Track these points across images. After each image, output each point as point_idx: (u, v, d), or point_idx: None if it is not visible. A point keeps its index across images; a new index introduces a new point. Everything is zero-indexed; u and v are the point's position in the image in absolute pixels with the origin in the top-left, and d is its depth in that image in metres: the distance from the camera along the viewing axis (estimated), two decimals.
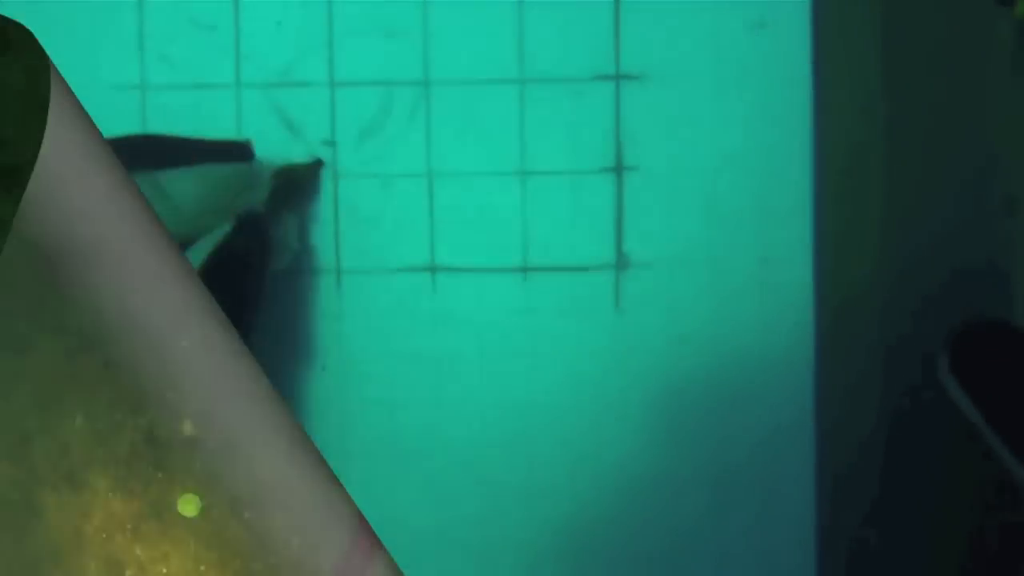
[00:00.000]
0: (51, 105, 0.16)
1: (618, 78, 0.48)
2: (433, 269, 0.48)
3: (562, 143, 0.48)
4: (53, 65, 0.16)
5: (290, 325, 0.47)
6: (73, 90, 0.16)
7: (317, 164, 0.47)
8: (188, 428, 0.17)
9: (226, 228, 0.38)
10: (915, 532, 0.47)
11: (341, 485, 0.19)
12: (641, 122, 0.48)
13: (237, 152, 0.41)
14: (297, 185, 0.46)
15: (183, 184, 0.38)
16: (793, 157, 0.48)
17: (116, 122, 0.44)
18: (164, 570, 0.17)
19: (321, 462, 0.19)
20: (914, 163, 0.48)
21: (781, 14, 0.48)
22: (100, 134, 0.17)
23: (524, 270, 0.48)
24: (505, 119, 0.48)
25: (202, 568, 0.17)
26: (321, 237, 0.48)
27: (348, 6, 0.48)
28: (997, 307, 0.47)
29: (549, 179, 0.48)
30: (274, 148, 0.47)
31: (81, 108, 0.16)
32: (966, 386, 0.41)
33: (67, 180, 0.16)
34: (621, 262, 0.47)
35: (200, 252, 0.37)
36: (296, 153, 0.48)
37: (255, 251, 0.40)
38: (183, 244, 0.38)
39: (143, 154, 0.38)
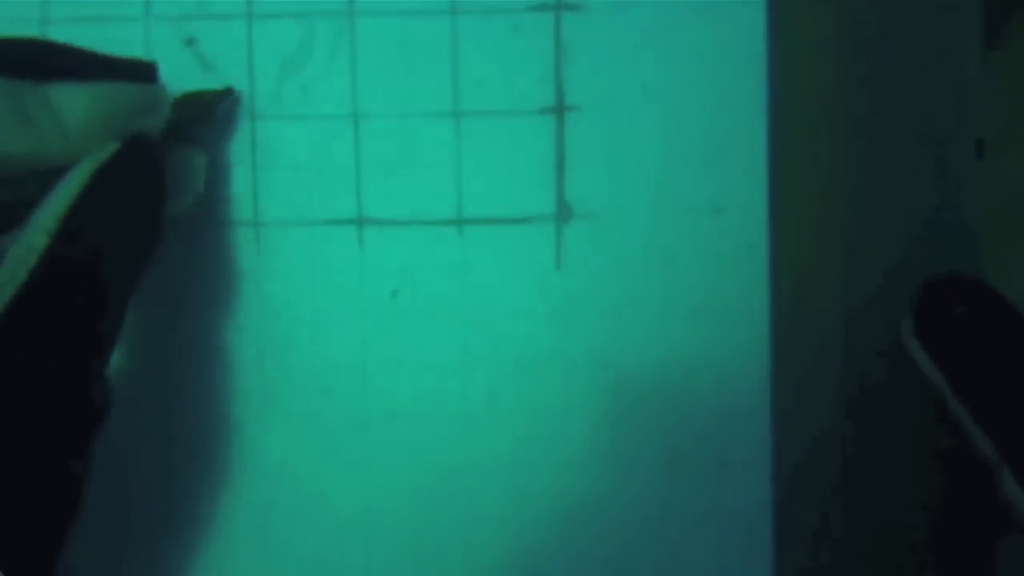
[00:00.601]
0: None
1: (559, 8, 0.43)
2: (360, 221, 0.44)
3: (497, 81, 0.44)
4: None
5: (202, 282, 0.43)
6: None
7: (227, 93, 0.43)
8: None
9: (110, 150, 0.34)
10: (878, 512, 0.44)
11: None
12: (584, 57, 0.44)
13: (139, 72, 0.36)
14: (203, 116, 0.41)
15: (73, 99, 0.34)
16: (749, 95, 0.43)
17: None
18: None
19: None
20: (874, 109, 0.44)
21: None
22: None
23: (458, 222, 0.44)
24: (436, 53, 0.44)
25: None
26: (236, 186, 0.44)
27: None
28: (968, 265, 0.43)
29: (484, 120, 0.44)
30: (187, 86, 0.43)
31: None
32: (931, 351, 0.37)
33: None
34: (563, 213, 0.44)
35: (78, 175, 0.33)
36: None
37: (144, 183, 0.36)
38: (67, 166, 0.34)
39: (33, 60, 0.33)
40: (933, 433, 0.42)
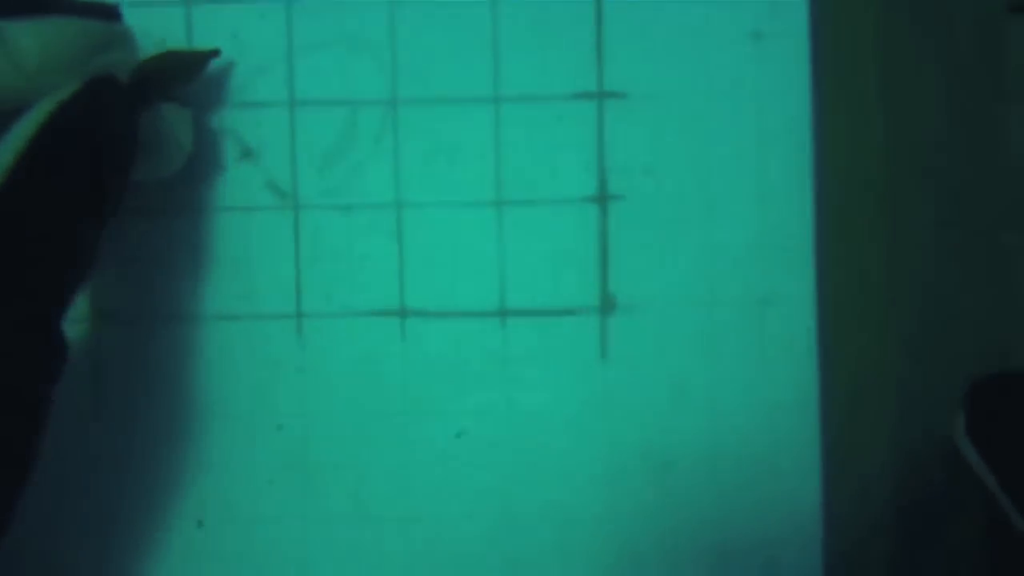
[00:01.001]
0: None
1: (601, 96, 0.43)
2: (403, 313, 0.43)
3: (541, 169, 0.43)
4: None
5: (241, 376, 0.43)
6: None
7: (212, 54, 0.42)
8: None
9: (74, 86, 0.32)
10: None
11: None
12: (627, 146, 0.43)
13: (99, 10, 0.35)
14: (182, 71, 0.41)
15: (27, 34, 0.32)
16: (793, 185, 0.43)
17: None
18: None
19: None
20: (924, 200, 0.43)
21: (779, 24, 0.43)
22: None
23: (502, 314, 0.43)
24: (478, 142, 0.43)
25: None
26: (278, 277, 0.44)
27: (308, 17, 0.43)
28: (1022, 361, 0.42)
29: (527, 210, 0.43)
30: (233, 176, 0.43)
31: None
32: (981, 449, 0.36)
33: None
34: (607, 304, 0.43)
35: (37, 114, 0.32)
36: (255, 183, 0.43)
37: (111, 129, 0.34)
38: (25, 103, 0.32)
39: None
40: (985, 530, 0.41)
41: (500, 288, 0.42)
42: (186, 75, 0.42)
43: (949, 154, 0.41)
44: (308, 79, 0.43)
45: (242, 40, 0.43)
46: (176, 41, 0.43)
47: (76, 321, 0.43)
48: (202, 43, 0.43)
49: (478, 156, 0.43)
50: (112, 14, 0.36)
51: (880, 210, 0.41)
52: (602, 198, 0.42)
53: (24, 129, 0.32)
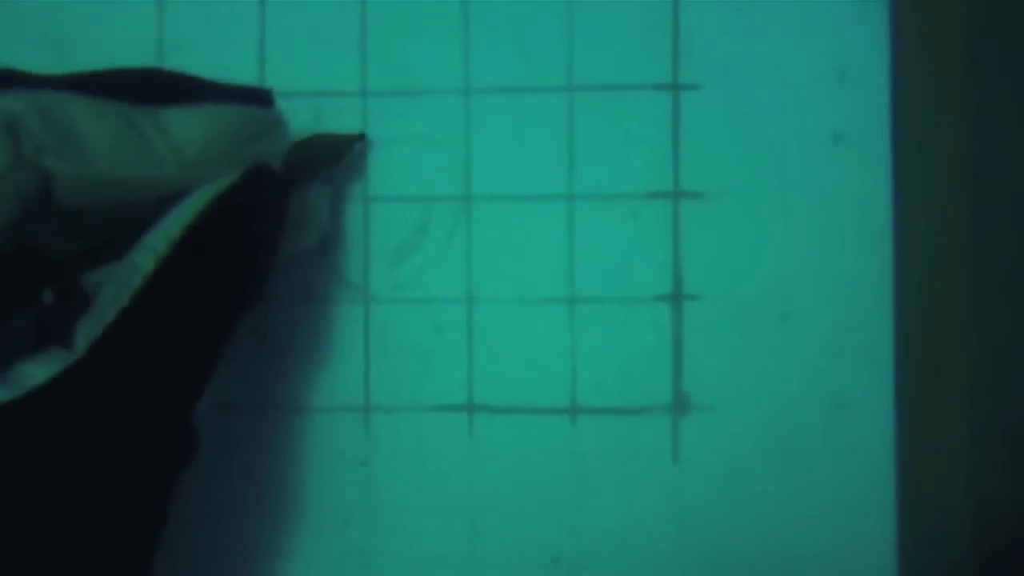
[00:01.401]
0: None
1: (676, 195, 0.43)
2: (471, 408, 0.43)
3: (615, 267, 0.43)
4: None
5: (307, 470, 0.42)
6: None
7: (356, 138, 0.43)
8: None
9: (233, 177, 0.33)
10: None
11: None
12: (702, 245, 0.43)
13: (254, 96, 0.36)
14: (328, 155, 0.41)
15: (188, 122, 0.33)
16: (872, 287, 0.42)
17: None
18: None
19: None
20: (1007, 304, 0.42)
21: (860, 125, 0.42)
22: None
23: (572, 411, 0.43)
24: (552, 238, 0.43)
25: None
26: (347, 370, 0.43)
27: (384, 112, 0.44)
28: None
29: (600, 307, 0.43)
30: (305, 268, 0.43)
31: None
32: None
33: None
34: (679, 404, 0.42)
35: (195, 202, 0.32)
36: (327, 275, 0.43)
37: (265, 215, 0.34)
38: (180, 191, 0.32)
39: (148, 87, 0.33)
40: None
41: (571, 385, 0.42)
42: (333, 159, 0.42)
43: None
44: (383, 174, 0.43)
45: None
46: None
47: None
48: None
49: (551, 253, 0.42)
50: (266, 99, 0.37)
51: (963, 314, 0.40)
52: (677, 297, 0.42)
53: (182, 217, 0.32)
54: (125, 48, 0.43)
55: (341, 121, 0.43)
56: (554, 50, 0.42)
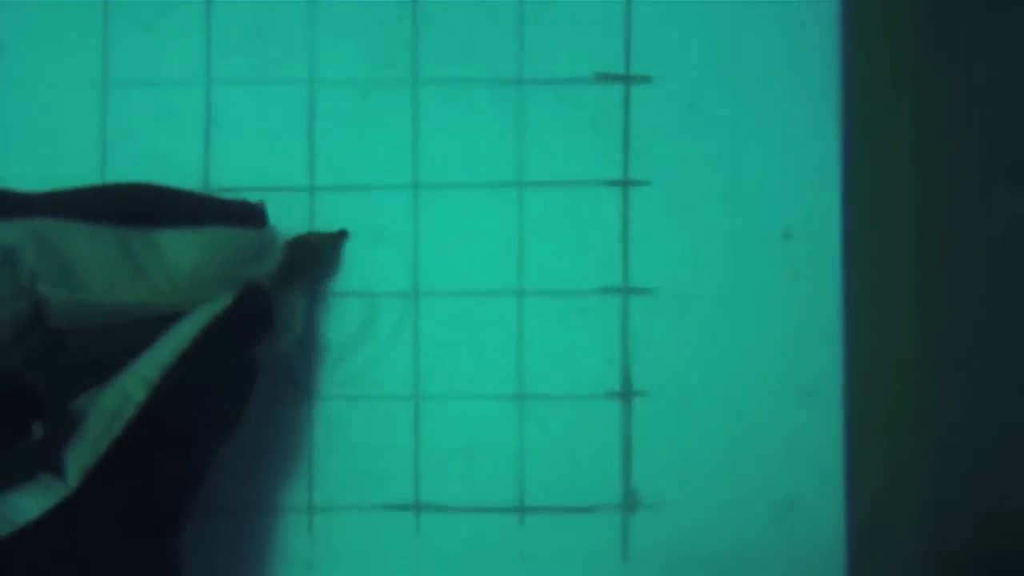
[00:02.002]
0: None
1: (626, 291, 0.42)
2: (418, 507, 0.42)
3: (564, 363, 0.43)
4: None
5: (251, 572, 0.41)
6: None
7: (339, 236, 0.42)
8: None
9: (225, 301, 0.33)
10: None
11: None
12: (652, 341, 0.42)
13: (249, 216, 0.36)
14: (313, 258, 0.41)
15: (183, 247, 0.33)
16: (823, 386, 0.42)
17: None
18: None
19: None
20: (952, 391, 0.42)
21: (810, 224, 0.43)
22: None
23: (520, 510, 0.42)
24: (501, 335, 0.43)
25: None
26: (291, 469, 0.42)
27: (331, 208, 0.43)
28: None
29: (549, 404, 0.42)
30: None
31: None
32: None
33: None
34: (629, 502, 0.42)
35: (187, 329, 0.32)
36: (271, 374, 0.42)
37: (254, 330, 0.35)
38: (173, 316, 0.32)
39: (143, 207, 0.33)
40: None
41: (519, 483, 0.42)
42: (319, 260, 0.41)
43: (978, 337, 0.41)
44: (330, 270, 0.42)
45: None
46: None
47: None
48: None
49: (500, 349, 0.42)
50: (260, 219, 0.37)
51: (912, 410, 0.41)
52: (626, 394, 0.41)
53: (174, 344, 0.32)
54: (69, 139, 0.43)
55: (289, 215, 0.42)
56: (505, 146, 0.42)
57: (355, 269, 0.43)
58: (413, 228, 0.42)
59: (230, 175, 0.42)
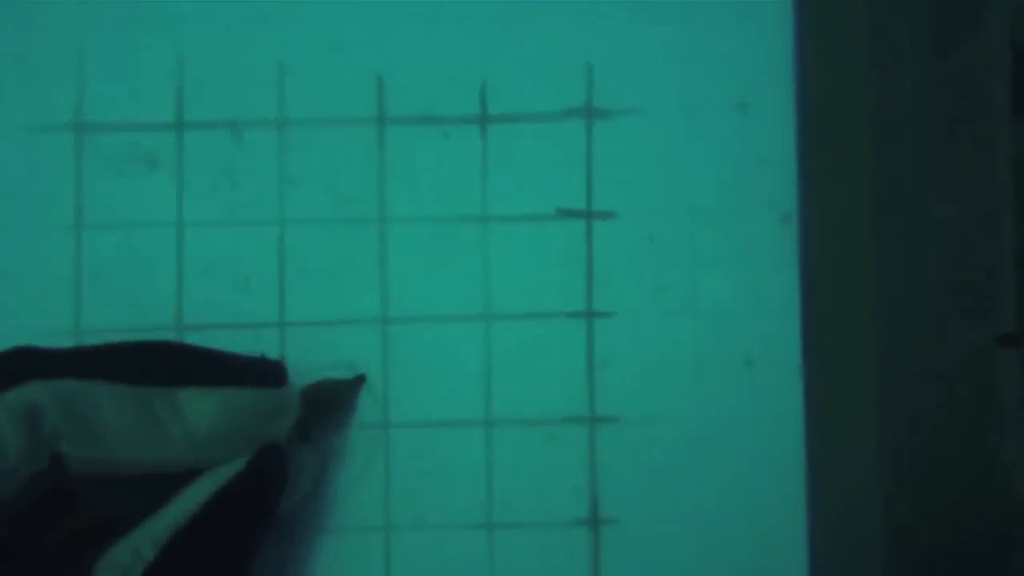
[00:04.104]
0: None
1: (592, 420, 0.43)
2: None
3: (532, 492, 0.44)
4: None
5: None
6: None
7: (358, 381, 0.43)
8: None
9: (239, 465, 0.35)
10: None
11: None
12: (619, 470, 0.43)
13: (269, 374, 0.39)
14: (329, 409, 0.42)
15: (203, 407, 0.36)
16: (785, 509, 0.43)
17: None
18: None
19: None
20: (915, 514, 0.43)
21: (771, 351, 0.44)
22: None
23: None
24: (470, 466, 0.44)
25: None
26: None
27: (302, 345, 0.44)
28: None
29: (518, 533, 0.43)
30: None
31: None
32: None
33: None
34: None
35: (207, 485, 0.34)
36: None
37: (268, 488, 0.37)
38: (189, 472, 0.35)
39: (165, 364, 0.37)
40: None
41: None
42: (339, 407, 0.42)
43: (937, 471, 0.41)
44: None
45: None
46: None
47: None
48: None
49: (470, 478, 0.43)
50: (280, 377, 0.40)
51: (874, 531, 0.41)
52: (594, 521, 0.42)
53: (185, 505, 0.34)
54: (47, 276, 0.44)
55: (260, 350, 0.43)
56: (471, 277, 0.43)
57: None
58: (382, 361, 0.43)
59: (202, 312, 0.43)
